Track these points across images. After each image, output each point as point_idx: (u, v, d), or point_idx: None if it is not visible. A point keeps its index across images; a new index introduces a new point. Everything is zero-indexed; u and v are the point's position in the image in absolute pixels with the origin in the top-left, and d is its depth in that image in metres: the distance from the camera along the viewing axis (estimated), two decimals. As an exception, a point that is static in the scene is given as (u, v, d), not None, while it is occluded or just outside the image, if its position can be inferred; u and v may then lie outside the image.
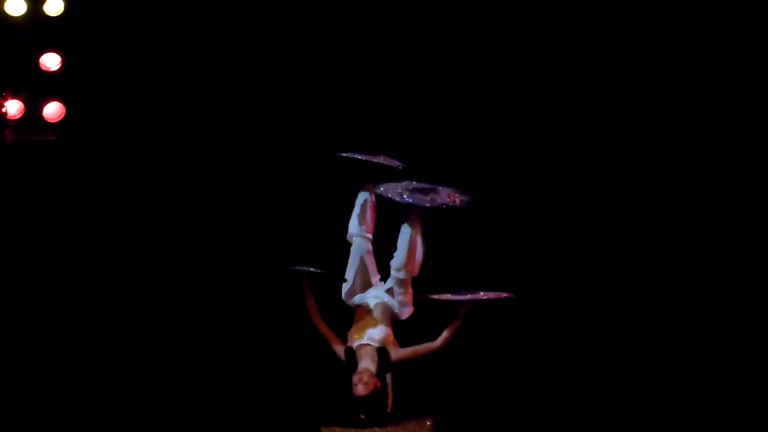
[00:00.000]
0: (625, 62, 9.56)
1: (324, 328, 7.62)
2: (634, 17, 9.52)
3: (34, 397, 9.55)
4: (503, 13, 9.63)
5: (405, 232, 7.67)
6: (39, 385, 9.59)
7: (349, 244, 7.72)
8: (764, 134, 9.38)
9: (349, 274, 7.71)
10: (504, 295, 7.55)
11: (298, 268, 7.63)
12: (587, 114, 9.59)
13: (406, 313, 7.65)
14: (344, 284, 7.71)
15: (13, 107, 9.32)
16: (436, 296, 7.57)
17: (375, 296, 7.69)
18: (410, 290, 7.66)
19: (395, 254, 7.67)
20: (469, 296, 7.48)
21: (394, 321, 7.64)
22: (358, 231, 7.72)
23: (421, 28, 9.67)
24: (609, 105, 9.56)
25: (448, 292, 7.54)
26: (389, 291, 7.68)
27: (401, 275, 7.63)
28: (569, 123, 9.61)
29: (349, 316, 7.66)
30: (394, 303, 7.64)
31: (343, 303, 7.70)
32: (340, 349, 7.52)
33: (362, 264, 7.71)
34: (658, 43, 9.51)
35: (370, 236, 7.74)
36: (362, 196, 7.74)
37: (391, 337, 7.53)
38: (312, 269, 7.59)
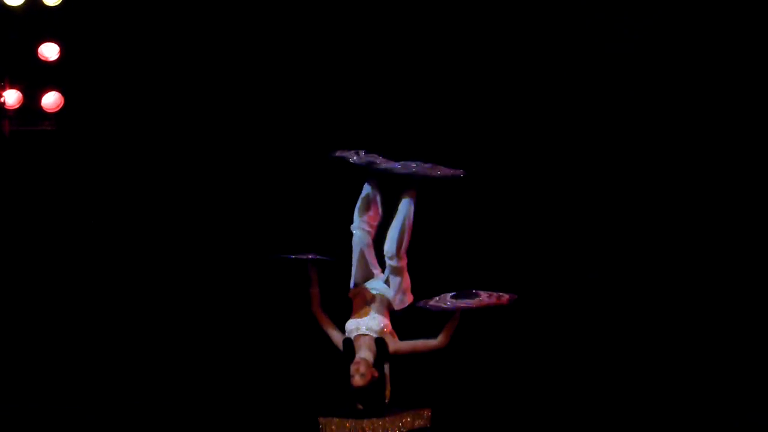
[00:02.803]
0: (623, 58, 9.56)
1: (324, 320, 7.65)
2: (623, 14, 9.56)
3: (24, 388, 9.58)
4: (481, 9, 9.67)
5: (400, 216, 7.69)
6: (30, 374, 9.62)
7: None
8: (764, 134, 9.40)
9: (353, 265, 7.76)
10: (500, 299, 7.55)
11: (306, 256, 7.66)
12: (585, 114, 9.59)
13: (404, 302, 7.66)
14: (353, 277, 7.77)
15: (12, 97, 9.33)
16: (431, 303, 7.58)
17: (374, 287, 7.71)
18: (407, 276, 7.67)
19: (387, 240, 7.69)
20: (464, 304, 7.48)
21: (392, 313, 7.67)
22: (357, 223, 7.75)
23: (404, 26, 9.69)
24: (606, 104, 9.56)
25: (445, 297, 7.55)
26: (387, 281, 7.70)
27: (394, 263, 7.64)
28: (568, 123, 9.61)
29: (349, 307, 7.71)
30: (391, 293, 7.65)
31: (344, 294, 7.75)
32: (338, 340, 7.55)
33: (362, 256, 7.74)
34: (649, 39, 9.53)
35: (370, 229, 7.76)
36: (365, 189, 7.77)
37: (389, 328, 7.55)
38: (319, 257, 7.62)
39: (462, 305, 7.44)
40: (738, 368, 9.21)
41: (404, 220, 7.68)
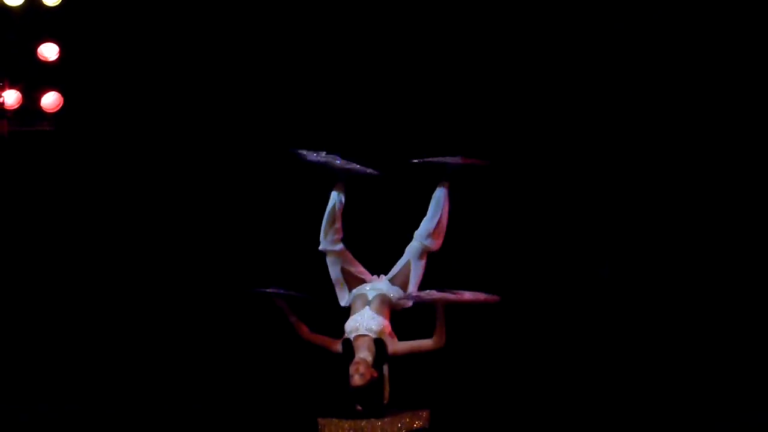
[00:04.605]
0: (622, 57, 9.57)
1: (319, 340, 7.68)
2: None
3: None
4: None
5: (438, 199, 7.72)
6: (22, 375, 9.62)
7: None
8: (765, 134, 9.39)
9: (338, 288, 7.77)
10: (484, 297, 7.54)
11: (269, 291, 7.71)
12: (592, 107, 9.59)
13: (410, 300, 7.67)
14: (339, 295, 7.76)
15: (11, 97, 9.32)
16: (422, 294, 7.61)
17: (372, 288, 7.72)
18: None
19: (423, 221, 7.71)
20: (450, 296, 7.47)
21: (392, 313, 7.68)
22: (329, 242, 7.73)
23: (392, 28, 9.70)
24: (613, 98, 9.55)
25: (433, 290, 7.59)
26: (393, 279, 7.69)
27: (427, 242, 7.66)
28: (575, 116, 9.60)
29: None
30: (393, 292, 7.65)
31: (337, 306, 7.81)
32: (338, 345, 7.56)
33: (345, 272, 7.75)
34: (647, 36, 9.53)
35: (342, 245, 7.74)
36: (333, 199, 7.75)
37: (389, 329, 7.56)
38: (282, 291, 7.68)
39: (440, 296, 7.43)
40: (745, 368, 9.20)
41: (441, 206, 7.71)
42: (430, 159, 7.72)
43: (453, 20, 9.64)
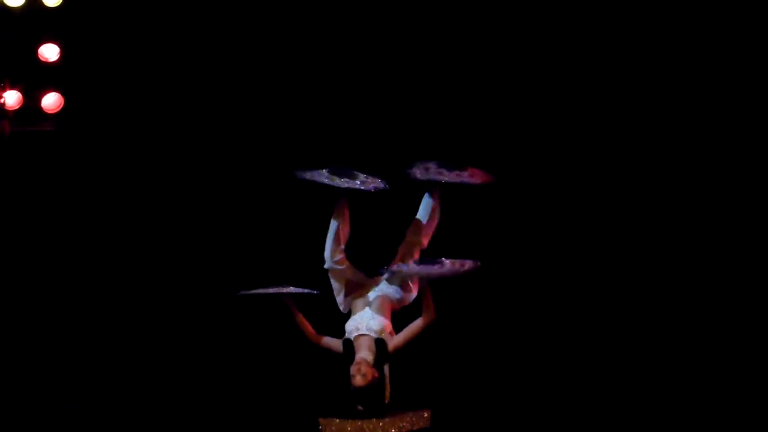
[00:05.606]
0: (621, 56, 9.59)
1: (324, 342, 7.66)
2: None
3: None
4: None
5: (429, 199, 7.79)
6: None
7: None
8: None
9: (339, 298, 7.79)
10: (468, 265, 7.49)
11: (274, 291, 7.70)
12: (580, 113, 9.60)
13: (411, 296, 7.68)
14: (339, 302, 7.79)
15: (12, 98, 9.32)
16: (395, 267, 7.61)
17: (376, 289, 7.72)
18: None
19: (414, 219, 7.77)
20: (433, 270, 7.45)
21: (393, 313, 7.69)
22: (335, 260, 7.74)
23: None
24: (616, 97, 9.55)
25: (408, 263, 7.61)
26: (391, 277, 7.70)
27: (416, 238, 7.67)
28: (576, 117, 9.61)
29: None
30: (392, 292, 7.66)
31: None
32: (339, 345, 7.57)
33: (348, 283, 7.76)
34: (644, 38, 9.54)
35: (347, 262, 7.74)
36: (335, 221, 7.76)
37: (389, 328, 7.56)
38: (290, 290, 7.67)
39: (424, 272, 7.42)
40: (744, 368, 9.20)
41: (432, 206, 7.77)
42: (448, 179, 7.71)
43: (446, 27, 9.66)
